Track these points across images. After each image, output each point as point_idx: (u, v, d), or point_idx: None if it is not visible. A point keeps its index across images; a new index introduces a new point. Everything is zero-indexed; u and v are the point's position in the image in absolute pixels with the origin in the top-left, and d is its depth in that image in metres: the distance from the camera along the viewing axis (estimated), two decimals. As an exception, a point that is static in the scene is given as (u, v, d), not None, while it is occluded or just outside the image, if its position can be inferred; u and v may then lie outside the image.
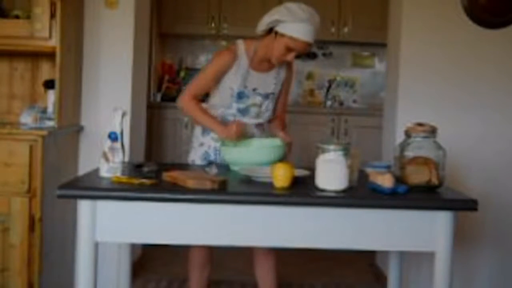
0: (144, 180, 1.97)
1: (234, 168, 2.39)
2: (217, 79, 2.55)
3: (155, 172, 2.19)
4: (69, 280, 3.05)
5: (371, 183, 2.02)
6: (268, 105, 2.62)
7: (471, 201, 1.94)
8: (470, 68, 3.32)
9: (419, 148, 2.09)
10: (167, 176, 2.05)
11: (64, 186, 1.91)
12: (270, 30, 2.48)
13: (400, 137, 2.45)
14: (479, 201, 1.96)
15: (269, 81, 2.62)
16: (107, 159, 2.05)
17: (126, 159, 2.77)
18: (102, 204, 1.89)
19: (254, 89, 2.58)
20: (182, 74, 5.54)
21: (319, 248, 1.97)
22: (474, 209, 1.94)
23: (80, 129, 3.18)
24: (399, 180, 2.05)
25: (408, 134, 2.14)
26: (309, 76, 5.72)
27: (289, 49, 2.44)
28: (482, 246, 3.38)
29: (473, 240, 3.37)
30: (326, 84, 5.70)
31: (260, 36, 2.55)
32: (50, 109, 2.95)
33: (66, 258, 3.02)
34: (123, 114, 2.11)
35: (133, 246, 2.84)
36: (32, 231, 2.62)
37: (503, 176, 3.35)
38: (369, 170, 2.26)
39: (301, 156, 4.03)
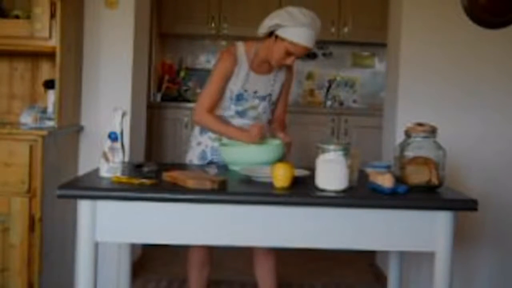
0: (144, 180, 1.97)
1: (234, 168, 2.39)
2: (225, 85, 2.54)
3: (155, 172, 2.19)
4: (69, 280, 3.05)
5: (371, 183, 2.02)
6: (265, 106, 2.62)
7: (471, 201, 1.94)
8: (470, 68, 3.32)
9: (419, 148, 2.09)
10: (167, 176, 2.05)
11: (64, 186, 1.91)
12: (271, 33, 2.48)
13: (400, 137, 2.45)
14: (479, 201, 1.96)
15: (268, 83, 2.62)
16: (107, 159, 2.05)
17: (126, 159, 2.77)
18: (102, 204, 1.89)
19: (255, 92, 2.57)
20: (182, 74, 5.54)
21: (319, 248, 1.97)
22: (474, 209, 1.93)
23: (80, 129, 3.18)
24: (399, 180, 2.05)
25: (408, 134, 2.14)
26: (309, 76, 5.72)
27: (289, 53, 2.44)
28: (482, 246, 3.38)
29: (473, 240, 3.37)
30: (326, 84, 5.70)
31: (261, 37, 2.55)
32: (50, 109, 2.95)
33: (66, 258, 3.02)
34: (123, 114, 2.11)
35: (133, 246, 2.84)
36: (32, 231, 2.62)
37: (503, 176, 3.35)
38: (369, 170, 2.26)
39: (301, 156, 4.03)
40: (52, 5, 2.74)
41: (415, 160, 2.06)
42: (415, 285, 3.34)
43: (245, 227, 1.92)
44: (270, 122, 2.71)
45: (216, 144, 2.57)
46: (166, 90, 5.36)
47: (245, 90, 2.55)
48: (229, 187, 1.97)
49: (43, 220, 2.65)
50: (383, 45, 4.09)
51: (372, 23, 5.25)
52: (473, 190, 3.12)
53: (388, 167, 2.26)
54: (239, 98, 2.55)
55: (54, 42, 2.77)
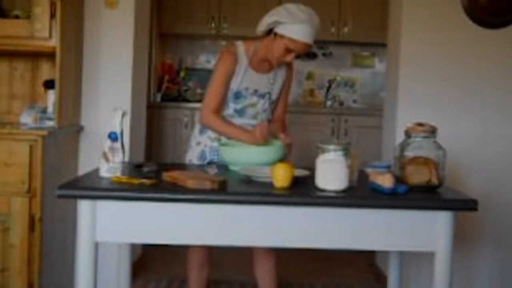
0: (144, 180, 1.97)
1: (234, 168, 2.39)
2: (227, 84, 2.54)
3: (155, 172, 2.19)
4: (69, 280, 3.05)
5: (371, 183, 2.02)
6: (264, 104, 2.62)
7: (471, 201, 1.94)
8: (470, 68, 3.32)
9: (419, 148, 2.09)
10: (167, 176, 2.05)
11: (64, 186, 1.91)
12: (270, 31, 2.48)
13: (400, 137, 2.45)
14: (479, 201, 1.96)
15: (269, 82, 2.62)
16: (107, 159, 2.05)
17: (126, 159, 2.77)
18: (102, 204, 1.89)
19: (255, 90, 2.57)
20: (182, 74, 5.54)
21: (319, 248, 1.97)
22: (474, 209, 1.93)
23: (80, 129, 3.18)
24: (399, 180, 2.04)
25: (408, 134, 2.14)
26: (309, 76, 5.72)
27: (288, 50, 2.44)
28: (482, 246, 3.38)
29: (473, 240, 3.37)
30: (326, 84, 5.70)
31: (260, 36, 2.55)
32: (50, 109, 2.95)
33: (66, 258, 3.02)
34: (123, 114, 2.11)
35: (133, 246, 2.84)
36: (32, 231, 2.62)
37: (503, 176, 3.35)
38: (369, 170, 2.26)
39: (301, 156, 4.03)
40: (52, 5, 2.75)
41: (415, 160, 2.06)
42: (415, 285, 3.34)
43: (245, 227, 1.92)
44: (270, 122, 2.71)
45: (215, 144, 2.57)
46: (166, 90, 5.36)
47: (245, 88, 2.55)
48: (229, 187, 1.97)
49: (43, 220, 2.65)
50: (383, 45, 4.09)
51: (372, 23, 5.25)
52: (473, 190, 3.12)
53: (388, 167, 2.26)
54: (238, 96, 2.55)
55: (54, 42, 2.77)
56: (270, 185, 2.00)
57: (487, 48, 3.32)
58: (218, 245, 2.03)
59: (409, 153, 2.09)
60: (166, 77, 5.40)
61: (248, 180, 2.13)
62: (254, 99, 2.58)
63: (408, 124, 2.17)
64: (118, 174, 2.05)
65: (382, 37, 4.16)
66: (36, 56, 3.13)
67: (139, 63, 3.42)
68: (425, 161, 2.04)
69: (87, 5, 3.15)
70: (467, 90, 3.33)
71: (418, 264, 3.32)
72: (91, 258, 1.89)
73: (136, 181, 1.97)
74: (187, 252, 2.69)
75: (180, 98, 5.40)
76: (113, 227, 1.90)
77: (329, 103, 5.65)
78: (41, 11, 2.75)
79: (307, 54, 5.56)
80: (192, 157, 2.65)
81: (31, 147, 2.60)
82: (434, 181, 2.03)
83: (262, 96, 2.60)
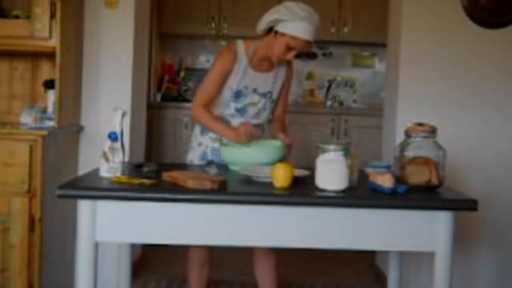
0: (144, 180, 1.97)
1: (234, 168, 2.39)
2: (223, 82, 2.55)
3: (155, 172, 2.19)
4: (69, 280, 3.05)
5: (371, 183, 2.02)
6: (265, 103, 2.62)
7: (471, 201, 1.94)
8: (470, 68, 3.32)
9: (419, 148, 2.09)
10: (167, 176, 2.05)
11: (64, 186, 1.91)
12: (270, 30, 2.48)
13: (400, 137, 2.45)
14: (479, 201, 1.96)
15: (268, 81, 2.62)
16: (107, 159, 2.05)
17: (126, 159, 2.77)
18: (102, 204, 1.89)
19: (254, 90, 2.58)
20: (182, 74, 5.54)
21: (319, 248, 1.97)
22: (474, 209, 1.93)
23: (80, 129, 3.18)
24: (399, 180, 2.05)
25: (408, 134, 2.14)
26: (309, 76, 5.72)
27: (289, 48, 2.44)
28: (482, 246, 3.38)
29: (473, 240, 3.37)
30: (326, 84, 5.70)
31: (260, 36, 2.56)
32: (50, 109, 2.95)
33: (66, 258, 3.02)
34: (123, 114, 2.11)
35: (133, 246, 2.84)
36: (32, 231, 2.62)
37: (503, 176, 3.35)
38: (369, 170, 2.26)
39: (301, 156, 4.03)
40: (52, 5, 2.74)
41: (415, 160, 2.06)
42: (415, 285, 3.34)
43: (245, 227, 1.92)
44: (270, 122, 2.72)
45: (216, 144, 2.57)
46: (166, 90, 5.36)
47: (245, 87, 2.56)
48: (229, 187, 1.97)
49: (43, 220, 2.65)
50: (383, 45, 4.09)
51: (372, 23, 5.25)
52: (473, 190, 3.11)
53: (388, 167, 2.26)
54: (238, 94, 2.55)
55: (54, 42, 2.77)
56: (270, 185, 2.00)
57: (487, 48, 3.32)
58: (218, 245, 2.03)
59: (409, 153, 2.09)
60: (166, 77, 5.40)
61: (248, 180, 2.13)
62: (255, 98, 2.58)
63: (408, 124, 2.17)
64: (118, 174, 2.05)
65: (382, 37, 4.16)
66: (36, 56, 3.13)
67: (139, 63, 3.42)
68: (425, 161, 2.04)
69: (87, 5, 3.15)
70: (467, 90, 3.33)
71: (418, 264, 3.32)
72: (91, 258, 1.89)
73: (136, 181, 1.97)
74: (187, 252, 2.69)
75: (180, 98, 5.40)
76: (113, 227, 1.90)
77: (329, 103, 5.65)
78: (41, 11, 2.75)
79: (307, 54, 5.57)
80: (193, 157, 2.65)
81: (31, 147, 2.60)
82: (434, 181, 2.03)
83: (263, 95, 2.60)
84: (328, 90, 5.69)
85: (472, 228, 3.35)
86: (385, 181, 1.94)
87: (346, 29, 5.37)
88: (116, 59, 3.21)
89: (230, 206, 1.91)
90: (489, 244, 3.38)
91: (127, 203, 1.89)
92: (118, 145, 2.07)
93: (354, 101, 5.71)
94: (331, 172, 1.95)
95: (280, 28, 2.42)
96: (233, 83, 2.55)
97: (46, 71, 3.17)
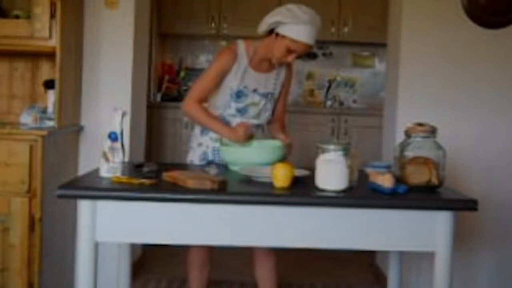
0: (144, 180, 1.97)
1: (234, 168, 2.39)
2: (219, 80, 2.54)
3: (155, 172, 2.19)
4: (69, 280, 3.05)
5: (371, 183, 2.02)
6: (266, 104, 2.62)
7: (471, 201, 1.94)
8: (470, 68, 3.32)
9: (419, 148, 2.09)
10: (167, 176, 2.05)
11: (64, 186, 1.91)
12: (271, 31, 2.48)
13: (400, 137, 2.45)
14: (479, 201, 1.96)
15: (269, 81, 2.62)
16: (107, 159, 2.05)
17: (126, 159, 2.77)
18: (102, 204, 1.89)
19: (254, 90, 2.58)
20: (182, 74, 5.54)
21: (319, 248, 1.97)
22: (474, 209, 1.93)
23: (80, 129, 3.18)
24: (399, 180, 2.04)
25: (408, 134, 2.14)
26: (309, 76, 5.72)
27: (289, 51, 2.44)
28: (482, 246, 3.38)
29: (473, 240, 3.37)
30: (326, 84, 5.70)
31: (261, 36, 2.55)
32: (50, 109, 2.95)
33: (66, 258, 3.02)
34: (123, 114, 2.11)
35: (133, 246, 2.84)
36: (32, 231, 2.62)
37: (504, 176, 3.35)
38: (369, 170, 2.26)
39: (301, 156, 4.03)
40: (52, 5, 2.75)
41: (415, 160, 2.06)
42: (415, 285, 3.34)
43: (245, 227, 1.92)
44: (269, 122, 2.71)
45: (217, 145, 2.57)
46: (166, 90, 5.36)
47: (245, 87, 2.55)
48: (229, 187, 1.97)
49: (43, 220, 2.65)
50: (383, 45, 4.09)
51: (372, 23, 5.26)
52: (473, 190, 3.11)
53: (388, 167, 2.26)
54: (239, 94, 2.55)
55: (54, 42, 2.77)
56: (270, 185, 2.00)
57: (487, 48, 3.32)
58: (218, 245, 2.03)
59: (409, 153, 2.09)
60: (166, 77, 5.41)
61: (248, 180, 2.13)
62: (256, 98, 2.58)
63: (408, 124, 2.17)
64: (118, 174, 2.05)
65: (382, 37, 4.16)
66: (36, 56, 3.13)
67: (139, 63, 3.42)
68: (425, 161, 2.04)
69: (87, 5, 3.15)
70: (467, 90, 3.33)
71: (418, 264, 3.32)
72: (91, 258, 1.89)
73: (136, 181, 1.97)
74: (187, 252, 2.69)
75: (180, 98, 5.39)
76: (113, 227, 1.90)
77: (329, 103, 5.65)
78: (41, 11, 2.75)
79: (307, 54, 5.56)
80: (193, 158, 2.65)
81: (31, 147, 2.60)
82: (434, 181, 2.03)
83: (264, 95, 2.60)
84: (328, 90, 5.69)
85: (472, 228, 3.35)
86: (385, 181, 1.94)
87: (346, 29, 5.37)
88: (116, 59, 3.21)
89: (230, 206, 1.91)
90: (489, 244, 3.38)
91: (127, 203, 1.89)
92: (118, 145, 2.07)
93: (354, 101, 5.71)
94: (331, 172, 1.95)
95: (281, 30, 2.41)
96: (233, 83, 2.55)
97: (46, 71, 3.17)
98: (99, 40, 3.19)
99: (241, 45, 2.58)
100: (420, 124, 2.14)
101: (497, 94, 3.33)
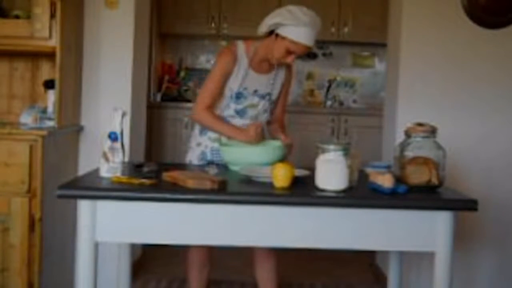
0: (144, 180, 1.97)
1: (234, 168, 2.39)
2: (224, 83, 2.54)
3: (155, 172, 2.19)
4: (69, 280, 3.05)
5: (371, 183, 2.02)
6: (265, 105, 2.62)
7: (471, 201, 1.94)
8: (470, 68, 3.32)
9: (419, 148, 2.09)
10: (167, 176, 2.05)
11: (64, 186, 1.91)
12: (271, 32, 2.48)
13: (400, 137, 2.45)
14: (479, 201, 1.96)
15: (269, 82, 2.62)
16: (107, 159, 2.05)
17: (126, 159, 2.77)
18: (102, 204, 1.89)
19: (255, 91, 2.57)
20: (182, 74, 5.54)
21: (319, 248, 1.97)
22: (474, 209, 1.93)
23: (80, 129, 3.18)
24: (399, 180, 2.04)
25: (408, 134, 2.14)
26: (309, 76, 5.72)
27: (289, 52, 2.44)
28: (482, 246, 3.38)
29: (473, 240, 3.37)
30: (326, 84, 5.70)
31: (261, 37, 2.55)
32: (50, 109, 2.95)
33: (66, 258, 3.02)
34: (123, 114, 2.11)
35: (133, 246, 2.84)
36: (32, 231, 2.62)
37: (504, 176, 3.35)
38: (369, 170, 2.26)
39: (301, 156, 4.03)
40: (52, 5, 2.74)
41: (415, 160, 2.06)
42: (415, 285, 3.34)
43: (245, 227, 1.92)
44: (269, 122, 2.71)
45: (216, 145, 2.57)
46: (166, 90, 5.36)
47: (245, 88, 2.55)
48: (229, 187, 1.97)
49: (43, 220, 2.65)
50: (383, 45, 4.09)
51: (372, 23, 5.26)
52: (473, 190, 3.11)
53: (388, 167, 2.26)
54: (239, 96, 2.55)
55: (54, 42, 2.77)
56: (270, 185, 2.00)
57: (487, 48, 3.32)
58: (218, 245, 2.03)
59: (409, 153, 2.09)
60: (166, 77, 5.41)
61: (248, 180, 2.13)
62: (255, 99, 2.58)
63: (408, 124, 2.17)
64: (118, 174, 2.05)
65: (382, 37, 4.16)
66: (36, 56, 3.13)
67: (139, 63, 3.42)
68: (425, 161, 2.04)
69: (87, 5, 3.15)
70: (467, 90, 3.33)
71: (418, 264, 3.32)
72: (91, 258, 1.89)
73: (136, 181, 1.97)
74: (187, 252, 2.69)
75: (180, 98, 5.40)
76: (113, 227, 1.90)
77: (329, 103, 5.65)
78: (41, 11, 2.74)
79: (307, 54, 5.56)
80: (192, 158, 2.65)
81: (31, 147, 2.60)
82: (434, 181, 2.03)
83: (263, 96, 2.60)
84: (328, 90, 5.69)
85: (472, 228, 3.35)
86: (385, 181, 1.94)
87: (346, 29, 5.37)
88: (116, 59, 3.21)
89: (230, 206, 1.91)
90: (489, 244, 3.38)
91: (127, 203, 1.89)
92: (118, 145, 2.06)
93: (354, 101, 5.71)
94: (331, 172, 1.95)
95: (281, 31, 2.41)
96: (233, 84, 2.55)
97: (46, 71, 3.17)
98: (99, 40, 3.19)
99: (240, 46, 2.58)
100: (420, 124, 2.14)
101: (497, 94, 3.33)
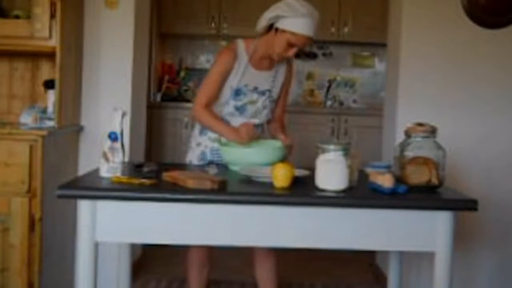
0: (144, 180, 1.97)
1: (234, 168, 2.38)
2: (223, 81, 2.55)
3: (155, 172, 2.19)
4: (69, 280, 3.05)
5: (371, 183, 2.02)
6: (264, 101, 2.62)
7: (471, 201, 1.94)
8: (470, 68, 3.32)
9: (419, 148, 2.09)
10: (167, 176, 2.05)
11: (64, 186, 1.91)
12: (270, 27, 2.49)
13: (400, 137, 2.45)
14: (479, 201, 1.96)
15: (269, 79, 2.62)
16: (107, 159, 2.05)
17: (126, 159, 2.77)
18: (102, 204, 1.89)
19: (255, 88, 2.58)
20: (182, 74, 5.54)
21: (319, 248, 1.97)
22: (474, 209, 1.93)
23: (80, 129, 3.18)
24: (399, 180, 2.04)
25: (408, 134, 2.14)
26: (309, 76, 5.72)
27: (290, 45, 2.45)
28: (482, 246, 3.38)
29: (473, 240, 3.37)
30: (326, 84, 5.70)
31: (260, 35, 2.56)
32: (50, 109, 2.95)
33: (66, 258, 3.02)
34: (123, 114, 2.11)
35: (133, 246, 2.84)
36: (32, 231, 2.62)
37: (503, 176, 3.35)
38: (369, 170, 2.26)
39: (301, 156, 4.03)
40: (52, 5, 2.75)
41: (415, 160, 2.06)
42: (415, 285, 3.34)
43: (245, 227, 1.92)
44: (269, 122, 2.71)
45: (215, 145, 2.57)
46: (166, 90, 5.36)
47: (245, 85, 2.56)
48: (229, 187, 1.97)
49: (43, 220, 2.65)
50: (383, 45, 4.09)
51: (372, 23, 5.25)
52: (473, 190, 3.11)
53: (388, 167, 2.26)
54: (238, 93, 2.55)
55: (54, 42, 2.77)
56: (270, 185, 2.00)
57: (487, 48, 3.32)
58: (218, 245, 2.03)
59: (409, 153, 2.09)
60: (166, 77, 5.40)
61: (248, 180, 2.13)
62: (254, 96, 2.58)
63: (408, 124, 2.17)
64: (118, 174, 2.05)
65: (382, 37, 4.16)
66: (36, 56, 3.13)
67: (139, 63, 3.42)
68: (425, 161, 2.04)
69: (87, 5, 3.15)
70: (467, 90, 3.33)
71: (418, 264, 3.32)
72: (91, 258, 1.89)
73: (136, 181, 1.97)
74: (187, 252, 2.69)
75: (180, 98, 5.40)
76: (113, 227, 1.91)
77: (329, 103, 5.65)
78: (41, 11, 2.74)
79: (307, 54, 5.57)
80: (192, 158, 2.65)
81: (31, 147, 2.60)
82: (434, 181, 2.03)
83: (262, 93, 2.60)
84: (328, 90, 5.69)
85: (472, 228, 3.35)
86: (385, 181, 1.94)
87: (346, 29, 5.36)
88: (116, 59, 3.21)
89: (230, 206, 1.91)
90: (489, 244, 3.38)
91: (127, 203, 1.89)
92: (118, 145, 2.07)
93: (354, 101, 5.71)
94: (331, 172, 1.95)
95: (280, 24, 2.42)
96: (233, 81, 2.55)
97: (46, 71, 3.17)
98: (99, 40, 3.19)
99: (240, 44, 2.59)
100: (420, 124, 2.14)
101: (497, 94, 3.33)
